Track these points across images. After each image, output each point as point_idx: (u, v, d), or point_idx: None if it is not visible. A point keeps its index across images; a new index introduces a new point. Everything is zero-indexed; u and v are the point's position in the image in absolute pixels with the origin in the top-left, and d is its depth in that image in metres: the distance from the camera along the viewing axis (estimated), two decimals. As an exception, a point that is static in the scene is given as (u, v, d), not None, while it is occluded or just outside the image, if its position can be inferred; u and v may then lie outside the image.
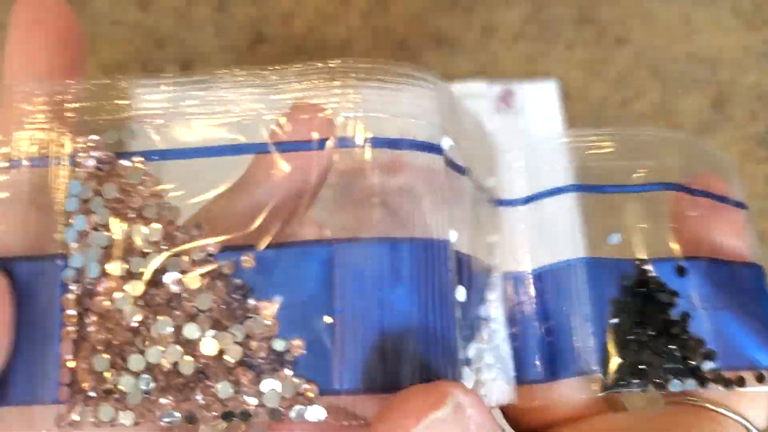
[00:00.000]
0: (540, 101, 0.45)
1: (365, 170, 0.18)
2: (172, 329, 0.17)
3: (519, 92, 0.45)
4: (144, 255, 0.18)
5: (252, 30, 0.48)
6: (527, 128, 0.44)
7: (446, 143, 0.19)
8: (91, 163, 0.18)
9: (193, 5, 0.49)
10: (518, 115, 0.44)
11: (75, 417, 0.17)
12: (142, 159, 0.19)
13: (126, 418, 0.17)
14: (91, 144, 0.18)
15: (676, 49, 0.47)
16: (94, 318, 0.18)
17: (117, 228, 0.18)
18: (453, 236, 0.19)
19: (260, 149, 0.19)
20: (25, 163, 0.19)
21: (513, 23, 0.48)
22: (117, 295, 0.18)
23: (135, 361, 0.17)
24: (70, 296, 0.18)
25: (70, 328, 0.18)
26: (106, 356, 0.17)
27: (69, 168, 0.18)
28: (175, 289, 0.18)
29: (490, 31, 0.48)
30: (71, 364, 0.18)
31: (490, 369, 0.20)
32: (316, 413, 0.17)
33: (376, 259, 0.18)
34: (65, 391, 0.18)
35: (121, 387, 0.17)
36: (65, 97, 0.19)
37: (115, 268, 0.18)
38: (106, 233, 0.18)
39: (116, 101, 0.20)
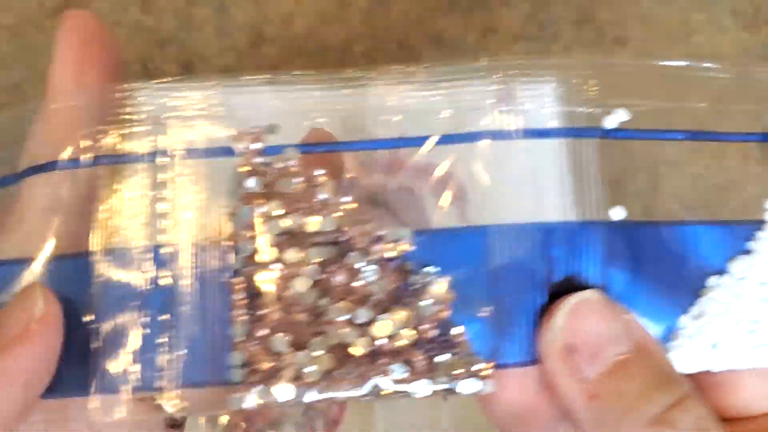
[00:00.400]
0: (539, 101, 0.45)
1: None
2: (349, 313, 0.18)
3: (518, 92, 0.45)
4: (316, 242, 0.19)
5: (252, 30, 0.48)
6: (527, 128, 0.44)
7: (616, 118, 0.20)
8: (258, 155, 0.19)
9: (194, 6, 0.49)
10: (518, 115, 0.44)
11: (252, 398, 0.18)
12: (297, 150, 0.20)
13: (305, 395, 0.18)
14: (253, 134, 0.19)
15: (675, 49, 0.48)
16: (268, 301, 0.18)
17: (291, 217, 0.19)
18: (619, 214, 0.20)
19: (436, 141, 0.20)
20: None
21: (512, 23, 0.48)
22: (294, 280, 0.18)
23: (316, 343, 0.18)
24: (239, 280, 0.18)
25: (241, 312, 0.18)
26: (284, 337, 0.18)
27: (241, 158, 0.19)
28: (347, 274, 0.18)
29: (489, 32, 0.48)
30: (245, 346, 0.18)
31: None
32: (488, 388, 0.18)
33: (529, 240, 0.19)
34: (239, 373, 0.18)
35: (299, 367, 0.18)
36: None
37: (291, 254, 0.18)
38: (281, 221, 0.18)
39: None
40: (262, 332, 0.18)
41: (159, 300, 0.19)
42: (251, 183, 0.19)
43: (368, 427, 0.37)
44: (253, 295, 0.19)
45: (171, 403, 0.18)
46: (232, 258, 0.19)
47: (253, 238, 0.19)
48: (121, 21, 0.48)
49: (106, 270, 0.18)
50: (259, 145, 0.20)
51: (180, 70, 0.46)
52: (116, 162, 0.20)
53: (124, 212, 0.19)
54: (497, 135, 0.21)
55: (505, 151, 0.20)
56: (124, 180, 0.20)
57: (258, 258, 0.19)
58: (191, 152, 0.20)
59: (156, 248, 0.19)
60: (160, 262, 0.19)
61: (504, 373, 0.19)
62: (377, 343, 0.18)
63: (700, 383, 0.20)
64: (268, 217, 0.19)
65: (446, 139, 0.21)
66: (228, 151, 0.20)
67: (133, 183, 0.19)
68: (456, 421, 0.37)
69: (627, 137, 0.21)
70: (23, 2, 0.49)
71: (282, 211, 0.19)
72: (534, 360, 0.19)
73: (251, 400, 0.18)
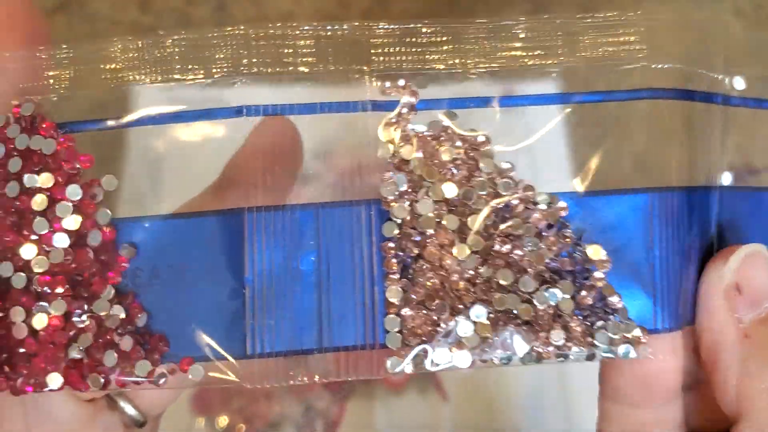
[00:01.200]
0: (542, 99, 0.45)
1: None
2: (512, 279, 0.18)
3: (519, 92, 0.45)
4: (472, 210, 0.19)
5: (252, 30, 0.48)
6: (527, 128, 0.44)
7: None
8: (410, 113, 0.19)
9: (193, 5, 0.49)
10: (518, 115, 0.44)
11: (409, 363, 0.18)
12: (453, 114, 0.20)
13: (462, 360, 0.18)
14: (407, 89, 0.20)
15: (677, 48, 0.47)
16: (425, 267, 0.18)
17: (447, 185, 0.19)
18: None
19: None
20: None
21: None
22: (455, 246, 0.18)
23: (476, 309, 0.18)
24: (392, 245, 0.18)
25: (395, 277, 0.18)
26: (443, 302, 0.18)
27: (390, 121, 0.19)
28: (507, 241, 0.19)
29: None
30: (401, 311, 0.18)
31: None
32: (643, 354, 0.19)
33: (685, 206, 0.19)
34: (396, 338, 0.18)
35: (458, 331, 0.18)
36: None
37: (450, 221, 0.18)
38: (441, 187, 0.19)
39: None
40: (419, 297, 0.18)
41: (310, 263, 0.19)
42: (407, 152, 0.19)
43: (368, 427, 0.36)
44: (410, 260, 0.19)
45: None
46: (387, 224, 0.19)
47: (409, 203, 0.19)
48: (120, 20, 0.48)
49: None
50: (413, 100, 0.19)
51: (179, 69, 0.46)
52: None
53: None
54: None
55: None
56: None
57: (416, 224, 0.18)
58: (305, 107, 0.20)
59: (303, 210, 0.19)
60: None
61: (654, 338, 0.20)
62: (536, 311, 0.18)
63: None
64: (422, 184, 0.19)
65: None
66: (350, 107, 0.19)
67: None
68: (456, 421, 0.36)
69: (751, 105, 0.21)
70: (21, 1, 0.49)
71: (434, 180, 0.19)
72: (680, 326, 0.20)
73: (408, 364, 0.18)
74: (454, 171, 0.19)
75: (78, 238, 0.19)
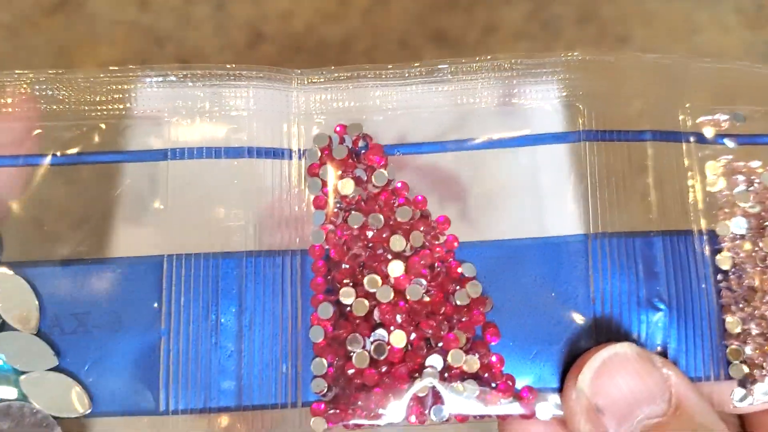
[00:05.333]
0: (541, 101, 0.44)
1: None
2: None
3: (520, 91, 0.45)
4: None
5: (251, 29, 0.48)
6: (527, 128, 0.43)
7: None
8: None
9: (192, 4, 0.49)
10: (518, 115, 0.44)
11: (759, 394, 0.18)
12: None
13: None
14: None
15: (678, 48, 0.47)
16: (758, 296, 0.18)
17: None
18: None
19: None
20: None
21: (514, 22, 0.48)
22: None
23: None
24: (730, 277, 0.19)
25: (734, 307, 0.18)
26: None
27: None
28: None
29: (490, 30, 0.48)
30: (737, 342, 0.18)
31: None
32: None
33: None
34: (741, 369, 0.18)
35: None
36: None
37: None
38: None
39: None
40: (759, 329, 0.18)
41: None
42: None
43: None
44: (745, 290, 0.19)
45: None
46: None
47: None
48: (120, 19, 0.48)
49: None
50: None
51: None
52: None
53: None
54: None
55: (509, 156, 0.20)
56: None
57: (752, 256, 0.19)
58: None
59: None
60: None
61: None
62: None
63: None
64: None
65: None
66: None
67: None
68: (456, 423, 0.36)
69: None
70: (20, 1, 0.49)
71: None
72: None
73: (760, 395, 0.18)
74: None
75: None
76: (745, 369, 0.18)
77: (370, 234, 0.18)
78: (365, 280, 0.18)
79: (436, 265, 0.18)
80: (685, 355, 0.18)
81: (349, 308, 0.18)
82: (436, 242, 0.19)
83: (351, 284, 0.18)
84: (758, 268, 0.18)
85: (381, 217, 0.18)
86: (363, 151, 0.20)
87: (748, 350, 0.18)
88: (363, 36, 0.48)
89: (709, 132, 0.20)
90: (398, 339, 0.18)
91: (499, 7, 0.49)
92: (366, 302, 0.18)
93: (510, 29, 0.48)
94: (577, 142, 0.20)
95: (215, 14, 0.48)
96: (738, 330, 0.18)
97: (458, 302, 0.18)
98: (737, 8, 0.49)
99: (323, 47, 0.47)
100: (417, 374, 0.18)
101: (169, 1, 0.49)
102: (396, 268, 0.18)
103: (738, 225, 0.19)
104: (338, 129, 0.20)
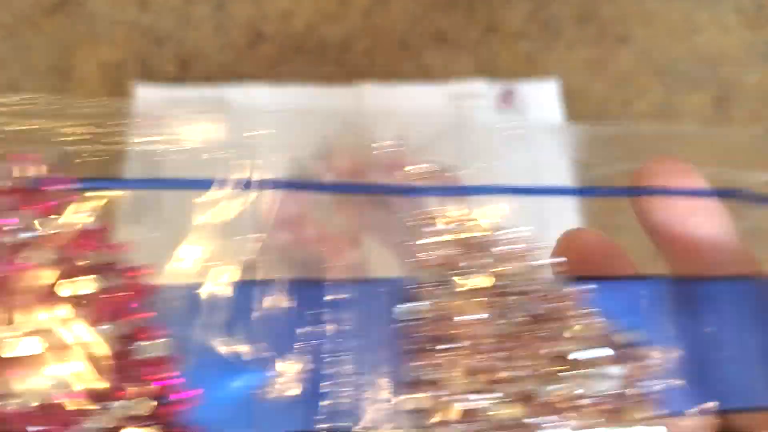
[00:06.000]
0: (541, 101, 0.44)
1: None
2: None
3: (519, 92, 0.45)
4: None
5: (251, 29, 0.48)
6: (527, 128, 0.44)
7: None
8: None
9: (192, 4, 0.49)
10: (519, 115, 0.44)
11: None
12: None
13: None
14: None
15: (678, 48, 0.47)
16: None
17: None
18: None
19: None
20: None
21: (514, 22, 0.48)
22: None
23: None
24: None
25: None
26: None
27: None
28: None
29: (490, 31, 0.48)
30: None
31: None
32: None
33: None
34: None
35: None
36: None
37: None
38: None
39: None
40: None
41: None
42: None
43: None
44: None
45: None
46: None
47: None
48: (119, 19, 0.48)
49: None
50: None
51: (178, 68, 0.46)
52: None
53: None
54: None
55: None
56: None
57: None
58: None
59: None
60: None
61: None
62: None
63: None
64: None
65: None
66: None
67: None
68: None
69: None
70: (19, 1, 0.49)
71: None
72: None
73: None
74: None
75: None
76: None
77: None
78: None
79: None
80: None
81: None
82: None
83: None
84: None
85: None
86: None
87: None
88: (363, 36, 0.48)
89: None
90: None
91: (498, 7, 0.49)
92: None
93: (510, 29, 0.48)
94: None
95: (215, 14, 0.48)
96: None
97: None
98: (737, 8, 0.49)
99: (323, 47, 0.47)
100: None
101: (169, 0, 0.49)
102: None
103: None
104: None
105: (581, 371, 0.17)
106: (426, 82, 0.45)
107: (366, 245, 0.19)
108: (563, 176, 0.22)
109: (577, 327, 0.18)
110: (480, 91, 0.45)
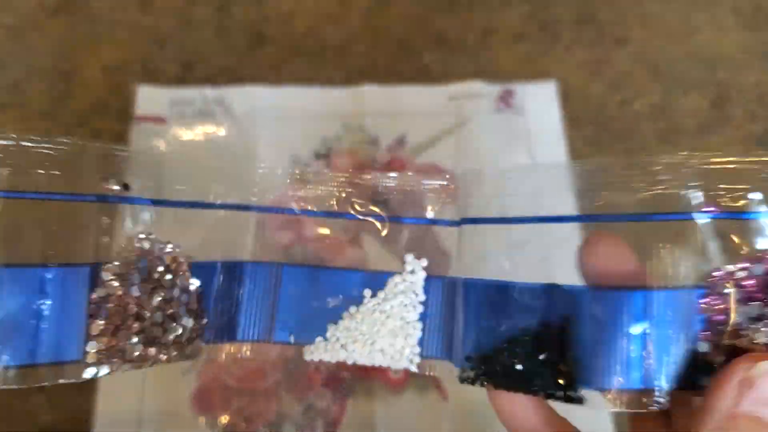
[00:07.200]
0: (539, 101, 0.45)
1: None
2: None
3: (519, 92, 0.45)
4: None
5: (252, 30, 0.48)
6: (527, 128, 0.44)
7: None
8: None
9: (194, 5, 0.49)
10: (518, 115, 0.44)
11: None
12: None
13: None
14: None
15: (676, 49, 0.48)
16: None
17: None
18: None
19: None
20: None
21: (513, 24, 0.48)
22: None
23: None
24: None
25: None
26: None
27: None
28: None
29: (489, 32, 0.48)
30: None
31: None
32: None
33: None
34: None
35: None
36: None
37: None
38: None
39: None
40: None
41: None
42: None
43: (368, 427, 0.36)
44: None
45: None
46: None
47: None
48: (121, 21, 0.48)
49: None
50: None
51: (180, 69, 0.46)
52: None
53: None
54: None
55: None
56: None
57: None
58: None
59: None
60: None
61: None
62: None
63: None
64: None
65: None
66: None
67: None
68: (455, 421, 0.36)
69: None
70: (23, 2, 0.49)
71: None
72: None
73: None
74: None
75: None
76: None
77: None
78: None
79: None
80: None
81: None
82: None
83: None
84: None
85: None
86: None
87: None
88: (363, 37, 0.48)
89: None
90: None
91: (497, 9, 0.49)
92: None
93: (509, 31, 0.48)
94: None
95: (216, 16, 0.49)
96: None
97: None
98: (735, 9, 0.49)
99: (324, 49, 0.47)
100: None
101: (170, 2, 0.49)
102: None
103: None
104: None
105: None
106: (426, 83, 0.45)
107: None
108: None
109: None
110: (479, 92, 0.45)
